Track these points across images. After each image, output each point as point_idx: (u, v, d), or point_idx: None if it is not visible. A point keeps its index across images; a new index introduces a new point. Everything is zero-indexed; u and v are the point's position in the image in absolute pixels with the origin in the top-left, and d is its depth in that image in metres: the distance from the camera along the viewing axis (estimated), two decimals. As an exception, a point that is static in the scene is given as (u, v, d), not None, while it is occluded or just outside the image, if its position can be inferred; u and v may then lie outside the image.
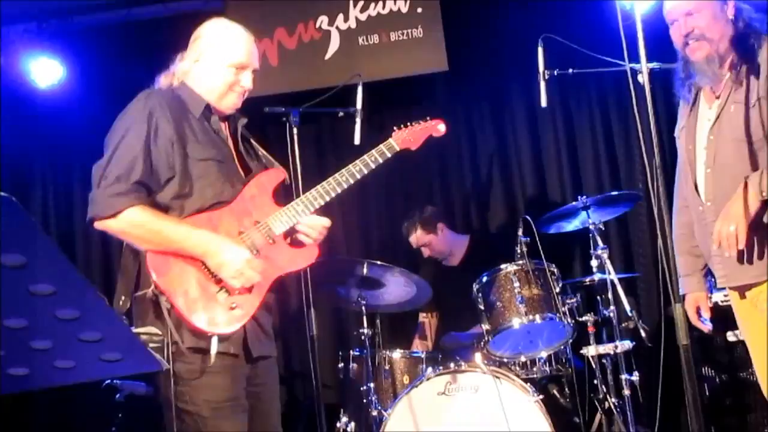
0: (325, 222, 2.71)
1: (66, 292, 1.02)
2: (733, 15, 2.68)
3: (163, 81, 2.73)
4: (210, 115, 2.69)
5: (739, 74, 2.65)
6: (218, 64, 2.66)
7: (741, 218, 2.46)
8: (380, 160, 2.97)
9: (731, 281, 2.70)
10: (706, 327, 2.92)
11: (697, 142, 2.75)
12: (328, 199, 2.76)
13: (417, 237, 4.67)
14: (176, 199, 2.50)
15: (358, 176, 2.94)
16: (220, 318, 2.35)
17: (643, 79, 2.43)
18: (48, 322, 1.08)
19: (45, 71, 5.09)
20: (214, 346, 2.32)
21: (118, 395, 3.86)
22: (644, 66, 2.36)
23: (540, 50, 3.87)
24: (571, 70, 3.88)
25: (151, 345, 1.48)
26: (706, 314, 2.92)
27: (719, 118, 2.66)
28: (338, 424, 3.99)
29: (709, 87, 2.74)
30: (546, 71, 3.87)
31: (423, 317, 4.77)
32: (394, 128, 3.16)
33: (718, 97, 2.70)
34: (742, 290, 2.69)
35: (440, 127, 3.31)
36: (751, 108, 2.57)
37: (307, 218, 2.71)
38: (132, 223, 2.38)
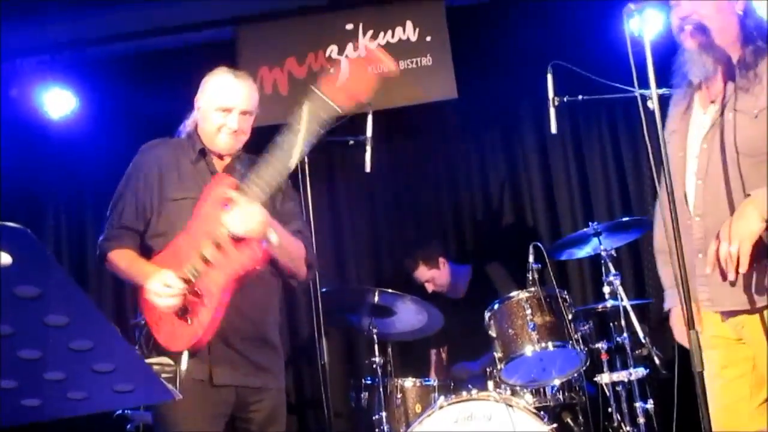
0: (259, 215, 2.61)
1: (79, 323, 1.02)
2: (742, 11, 2.42)
3: (186, 126, 2.98)
4: (203, 157, 2.86)
5: (741, 79, 2.39)
6: (208, 108, 2.84)
7: (746, 239, 2.21)
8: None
9: (717, 305, 2.44)
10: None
11: (688, 149, 2.49)
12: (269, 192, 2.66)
13: (420, 273, 4.66)
14: (154, 238, 2.76)
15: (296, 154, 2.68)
16: (178, 333, 2.52)
17: (653, 104, 2.32)
18: (61, 353, 1.08)
19: (58, 102, 5.13)
20: (183, 363, 2.44)
21: (129, 426, 3.85)
22: (654, 92, 2.30)
23: (549, 77, 3.89)
24: (580, 97, 3.89)
25: (163, 375, 1.48)
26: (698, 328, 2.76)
27: (715, 125, 2.42)
28: (350, 454, 3.96)
29: (704, 89, 2.49)
30: (556, 98, 3.88)
31: (434, 354, 4.75)
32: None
33: (713, 102, 2.46)
34: (725, 315, 2.46)
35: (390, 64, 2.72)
36: (753, 119, 2.33)
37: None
38: (113, 265, 2.77)
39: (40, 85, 5.12)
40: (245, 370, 2.72)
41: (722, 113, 2.40)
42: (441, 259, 4.68)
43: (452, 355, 4.67)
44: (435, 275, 4.65)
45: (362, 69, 2.64)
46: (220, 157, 2.88)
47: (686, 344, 2.64)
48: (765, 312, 2.34)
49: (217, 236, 2.55)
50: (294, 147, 2.63)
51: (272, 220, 2.67)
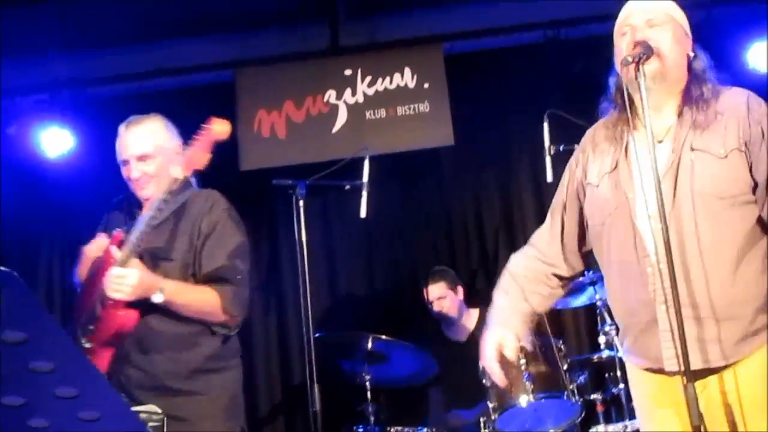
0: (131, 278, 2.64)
1: (65, 370, 0.99)
2: (692, 52, 2.33)
3: None
4: (132, 205, 2.99)
5: (699, 117, 2.23)
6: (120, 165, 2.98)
7: None
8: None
9: (681, 364, 2.08)
10: (502, 378, 2.49)
11: (636, 189, 2.25)
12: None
13: (438, 287, 4.63)
14: None
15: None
16: None
17: (651, 155, 2.19)
18: (47, 400, 1.05)
19: (55, 141, 5.12)
20: None
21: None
22: (651, 142, 2.21)
23: (545, 126, 3.91)
24: (575, 146, 3.89)
25: (150, 424, 1.45)
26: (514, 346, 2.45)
27: (673, 165, 2.23)
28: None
29: (642, 128, 2.26)
30: (551, 146, 3.90)
31: (434, 392, 4.69)
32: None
33: (660, 142, 2.27)
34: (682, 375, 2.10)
35: (218, 128, 2.73)
36: (721, 159, 2.19)
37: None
38: None
39: (38, 124, 5.12)
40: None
41: (682, 153, 2.24)
42: (460, 288, 4.70)
43: (448, 398, 4.61)
44: (450, 297, 4.64)
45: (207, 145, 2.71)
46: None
47: (495, 376, 2.48)
48: (734, 367, 2.17)
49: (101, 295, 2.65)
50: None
51: (156, 278, 2.69)
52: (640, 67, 2.16)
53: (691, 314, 2.15)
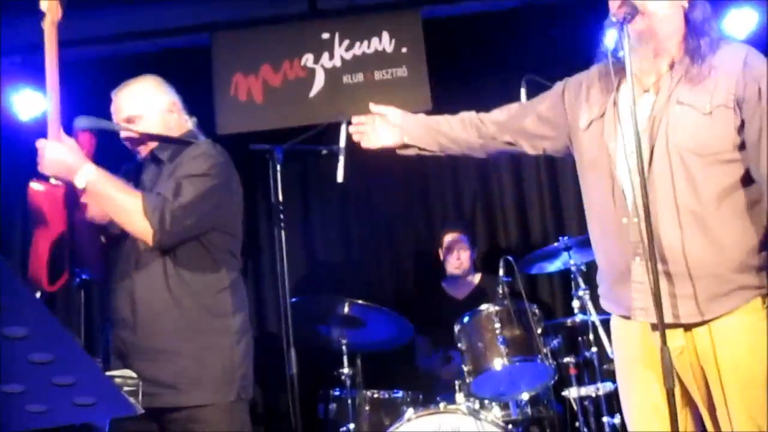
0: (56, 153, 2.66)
1: (39, 336, 0.99)
2: (687, 2, 2.27)
3: None
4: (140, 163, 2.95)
5: (692, 69, 2.21)
6: None
7: None
8: None
9: (651, 316, 2.14)
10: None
11: (618, 141, 2.24)
12: None
13: (458, 239, 4.77)
14: None
15: None
16: None
17: (632, 120, 2.08)
18: (21, 365, 1.05)
19: (28, 104, 5.06)
20: None
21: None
22: (632, 108, 2.13)
23: (523, 91, 3.90)
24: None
25: (125, 388, 1.45)
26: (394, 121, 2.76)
27: (656, 118, 2.22)
28: (317, 466, 3.94)
29: (634, 76, 2.21)
30: (529, 113, 3.89)
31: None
32: None
33: (647, 91, 2.27)
34: (654, 326, 2.19)
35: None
36: (705, 115, 2.16)
37: None
38: None
39: (11, 86, 5.05)
40: (148, 391, 2.47)
41: (666, 106, 2.22)
42: (476, 249, 4.90)
43: (434, 343, 4.66)
44: (467, 252, 4.79)
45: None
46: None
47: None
48: (707, 325, 2.18)
49: None
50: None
51: (83, 160, 2.62)
52: (624, 27, 2.15)
53: (663, 269, 2.16)
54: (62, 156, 2.60)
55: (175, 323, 2.67)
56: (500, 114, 2.71)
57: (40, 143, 2.62)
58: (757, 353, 2.15)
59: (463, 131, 2.71)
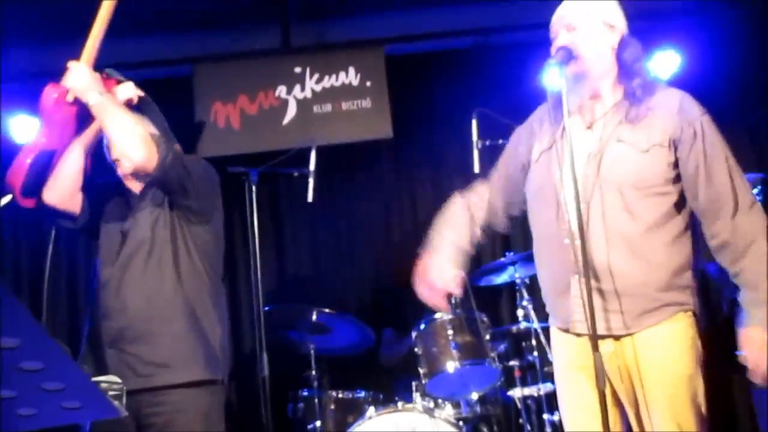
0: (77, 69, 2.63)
1: (30, 346, 0.98)
2: (617, 45, 2.30)
3: None
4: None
5: (631, 111, 2.25)
6: None
7: None
8: None
9: (587, 328, 2.17)
10: (445, 305, 2.58)
11: (564, 172, 2.26)
12: None
13: None
14: None
15: None
16: None
17: (568, 149, 2.19)
18: (13, 373, 1.03)
19: (24, 127, 4.98)
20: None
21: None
22: (569, 137, 2.17)
23: (474, 122, 3.94)
24: (500, 141, 3.93)
25: (110, 393, 1.43)
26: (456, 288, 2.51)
27: (598, 153, 2.25)
28: (287, 460, 3.90)
29: (578, 115, 2.32)
30: (479, 141, 3.93)
31: None
32: None
33: (589, 128, 2.30)
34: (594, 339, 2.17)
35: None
36: (642, 152, 2.20)
37: None
38: None
39: (8, 111, 4.97)
40: (138, 371, 2.52)
41: (608, 143, 2.25)
42: None
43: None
44: None
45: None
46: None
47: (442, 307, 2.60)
48: (634, 337, 2.22)
49: None
50: None
51: (101, 85, 2.62)
52: (562, 70, 2.21)
53: (596, 286, 2.20)
54: (86, 75, 2.57)
55: (163, 310, 2.60)
56: (481, 205, 2.69)
57: (71, 63, 2.57)
58: (677, 359, 2.20)
59: (473, 236, 2.66)
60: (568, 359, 2.36)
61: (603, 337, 2.19)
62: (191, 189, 2.65)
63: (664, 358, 2.19)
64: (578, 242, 2.17)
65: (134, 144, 2.53)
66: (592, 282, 2.16)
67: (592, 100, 2.32)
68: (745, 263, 2.18)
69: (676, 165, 2.22)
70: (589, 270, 2.11)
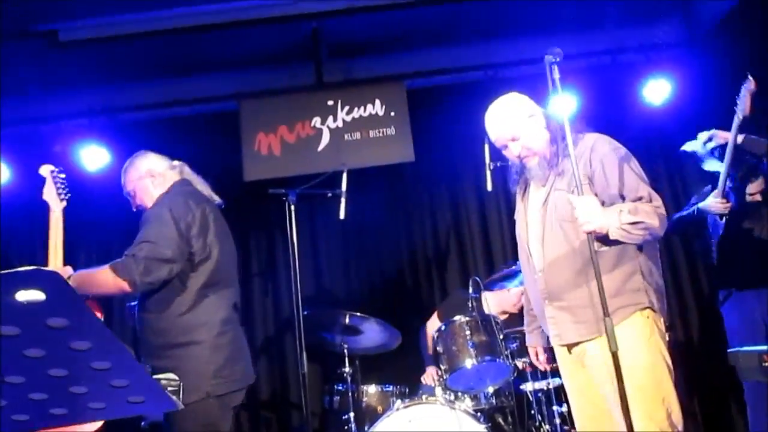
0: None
1: (100, 348, 0.99)
2: (544, 124, 2.63)
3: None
4: None
5: (557, 168, 2.57)
6: None
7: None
8: None
9: (564, 339, 2.54)
10: (544, 365, 2.96)
11: (528, 221, 2.65)
12: None
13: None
14: None
15: None
16: None
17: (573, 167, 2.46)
18: (85, 372, 1.05)
19: (94, 158, 5.06)
20: None
21: (143, 423, 3.74)
22: (572, 159, 2.38)
23: (486, 147, 3.92)
24: (510, 163, 3.92)
25: (169, 389, 1.44)
26: (542, 357, 2.92)
27: (546, 202, 2.56)
28: (324, 447, 3.89)
29: (535, 179, 2.66)
30: (491, 162, 3.91)
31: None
32: None
33: (544, 185, 2.61)
34: (569, 347, 2.56)
35: None
36: (568, 193, 2.45)
37: None
38: None
39: (79, 143, 5.06)
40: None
41: (550, 192, 2.55)
42: None
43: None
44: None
45: None
46: None
47: (539, 365, 2.96)
48: (597, 340, 2.41)
49: None
50: None
51: (67, 270, 2.80)
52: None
53: (562, 305, 2.47)
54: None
55: (154, 346, 2.72)
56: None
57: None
58: (635, 352, 2.33)
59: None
60: (564, 372, 2.65)
61: (577, 343, 2.49)
62: (176, 261, 2.67)
63: (625, 352, 2.23)
64: (539, 275, 2.54)
65: (112, 293, 2.67)
66: (557, 303, 2.48)
67: (542, 169, 2.61)
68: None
69: (598, 195, 2.42)
70: (550, 294, 2.49)
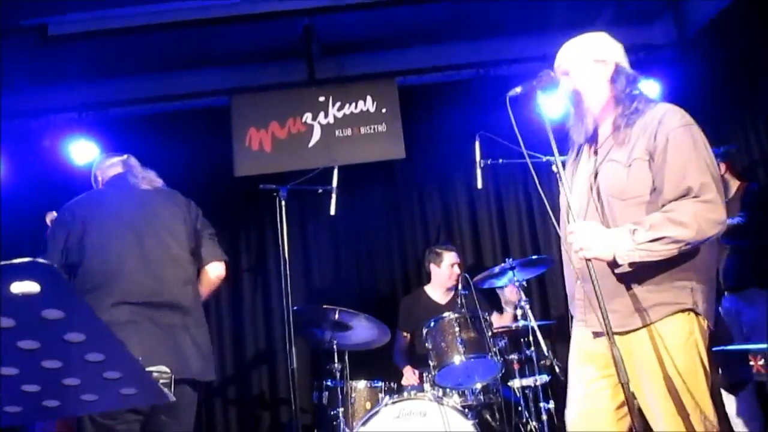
0: None
1: (94, 340, 1.00)
2: (610, 76, 2.26)
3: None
4: None
5: (618, 135, 2.20)
6: None
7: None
8: None
9: (589, 326, 2.24)
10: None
11: (573, 192, 2.31)
12: None
13: (455, 255, 4.63)
14: None
15: None
16: None
17: (557, 168, 2.17)
18: (78, 364, 1.06)
19: (83, 152, 5.04)
20: None
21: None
22: (557, 158, 2.12)
23: (477, 144, 3.95)
24: (500, 160, 3.96)
25: (161, 381, 1.46)
26: None
27: (595, 174, 2.23)
28: (312, 442, 3.90)
29: (585, 144, 2.31)
30: (481, 160, 3.95)
31: (405, 335, 4.69)
32: None
33: (596, 153, 2.28)
34: (595, 334, 2.25)
35: None
36: (625, 167, 2.14)
37: None
38: None
39: (69, 137, 5.04)
40: None
41: (602, 163, 2.22)
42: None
43: (415, 340, 4.61)
44: (457, 265, 4.59)
45: None
46: None
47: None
48: (629, 335, 2.13)
49: None
50: None
51: None
52: (544, 93, 2.23)
53: (591, 289, 2.08)
54: None
55: None
56: None
57: None
58: (670, 356, 2.08)
59: None
60: (578, 354, 2.32)
61: (601, 334, 2.13)
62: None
63: (659, 354, 2.07)
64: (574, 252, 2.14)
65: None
66: (589, 286, 2.09)
67: (596, 128, 2.29)
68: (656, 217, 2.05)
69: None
70: (590, 275, 2.03)
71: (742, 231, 3.94)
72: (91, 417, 2.40)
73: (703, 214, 2.00)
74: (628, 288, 2.12)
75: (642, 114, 2.18)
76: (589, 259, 2.04)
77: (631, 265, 2.08)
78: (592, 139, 2.31)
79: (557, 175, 2.17)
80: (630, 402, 1.94)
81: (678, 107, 2.18)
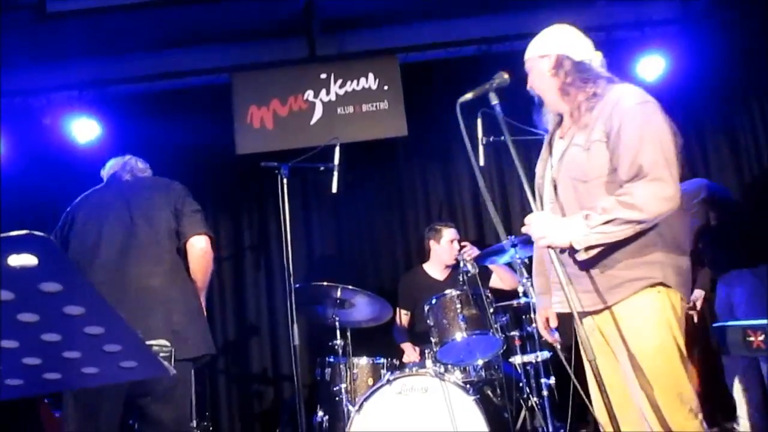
0: None
1: (93, 313, 1.01)
2: (551, 69, 2.34)
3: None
4: None
5: (579, 120, 2.26)
6: None
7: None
8: None
9: (566, 308, 2.16)
10: (552, 337, 2.58)
11: (545, 177, 2.40)
12: None
13: (454, 231, 4.64)
14: None
15: None
16: None
17: (521, 174, 2.25)
18: (78, 337, 1.06)
19: (84, 130, 5.03)
20: None
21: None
22: (519, 167, 2.24)
23: (479, 121, 3.94)
24: (502, 138, 3.92)
25: (161, 354, 1.47)
26: (554, 324, 2.55)
27: (561, 158, 2.30)
28: (315, 418, 3.94)
29: (557, 129, 2.41)
30: (483, 137, 3.93)
31: (405, 313, 4.71)
32: None
33: (562, 138, 2.36)
34: (579, 316, 2.16)
35: None
36: (585, 150, 2.20)
37: None
38: None
39: (70, 115, 5.03)
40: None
41: (567, 149, 2.29)
42: None
43: (414, 318, 4.62)
44: (456, 242, 4.59)
45: None
46: None
47: (548, 337, 2.59)
48: (603, 313, 2.20)
49: None
50: None
51: None
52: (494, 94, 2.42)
53: (568, 271, 2.20)
54: None
55: None
56: None
57: None
58: (642, 331, 2.12)
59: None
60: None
61: (581, 314, 2.17)
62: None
63: (630, 331, 2.12)
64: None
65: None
66: (568, 268, 2.19)
67: (562, 116, 2.39)
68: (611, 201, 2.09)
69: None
70: (552, 260, 2.12)
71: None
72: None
73: (653, 192, 2.04)
74: (601, 268, 2.17)
75: (601, 98, 2.23)
76: (549, 247, 2.11)
77: (588, 250, 2.13)
78: (560, 126, 2.41)
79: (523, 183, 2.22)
80: (599, 379, 1.99)
81: (636, 87, 2.22)
